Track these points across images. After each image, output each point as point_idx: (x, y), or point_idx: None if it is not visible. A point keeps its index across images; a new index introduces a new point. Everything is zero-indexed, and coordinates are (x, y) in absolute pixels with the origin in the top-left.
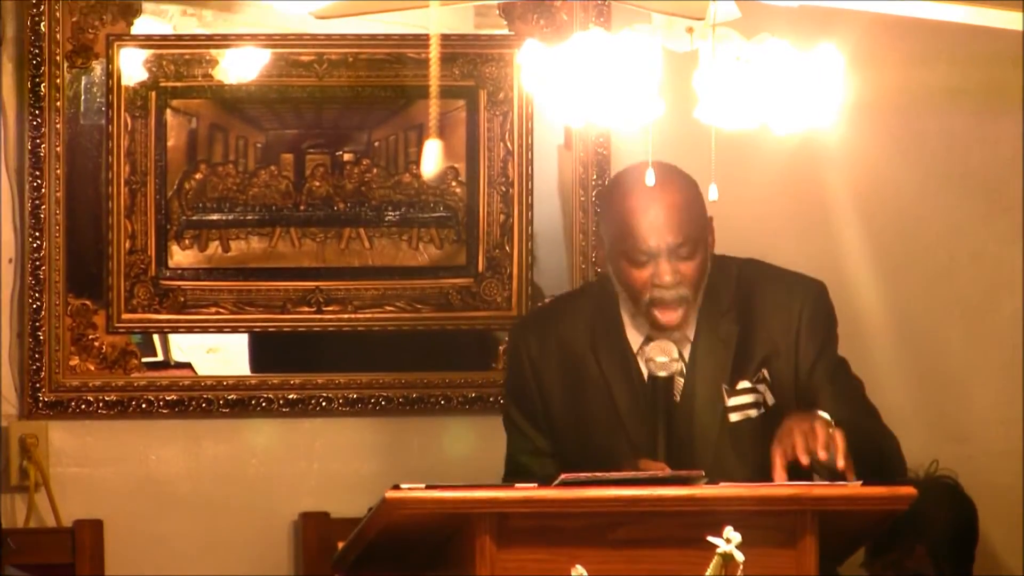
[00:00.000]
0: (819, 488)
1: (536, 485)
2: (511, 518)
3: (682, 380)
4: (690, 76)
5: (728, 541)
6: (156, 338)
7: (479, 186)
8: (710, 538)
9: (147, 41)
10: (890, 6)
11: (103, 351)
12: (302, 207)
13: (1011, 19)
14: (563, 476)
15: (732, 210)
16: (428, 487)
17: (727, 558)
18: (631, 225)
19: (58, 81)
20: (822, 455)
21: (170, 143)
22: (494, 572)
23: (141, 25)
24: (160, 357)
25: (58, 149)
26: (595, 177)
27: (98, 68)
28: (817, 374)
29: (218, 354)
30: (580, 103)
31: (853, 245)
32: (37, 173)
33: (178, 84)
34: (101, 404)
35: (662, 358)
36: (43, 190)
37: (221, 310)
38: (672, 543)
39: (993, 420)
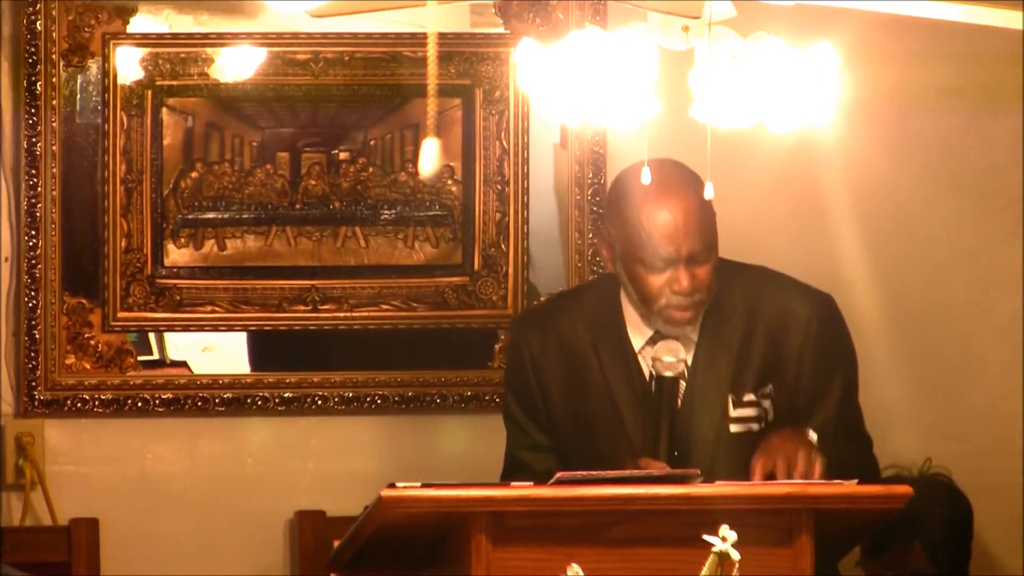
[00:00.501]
0: (815, 487)
1: (532, 484)
2: (507, 517)
3: (683, 383)
4: (686, 75)
5: (724, 540)
6: (152, 337)
7: (475, 185)
8: (706, 537)
9: (143, 40)
10: (888, 5)
11: (99, 349)
12: (298, 206)
13: (1010, 18)
14: (559, 475)
15: (728, 209)
16: (424, 485)
17: (723, 557)
18: (649, 232)
19: (54, 80)
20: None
21: (166, 142)
22: (490, 571)
23: (137, 24)
24: (156, 356)
25: (54, 148)
26: (591, 176)
27: (94, 67)
28: (821, 399)
29: (214, 353)
30: (576, 102)
31: (849, 244)
32: (33, 172)
33: (174, 83)
34: (97, 403)
35: (669, 358)
36: (39, 188)
37: (217, 309)
38: (668, 542)
39: (990, 418)
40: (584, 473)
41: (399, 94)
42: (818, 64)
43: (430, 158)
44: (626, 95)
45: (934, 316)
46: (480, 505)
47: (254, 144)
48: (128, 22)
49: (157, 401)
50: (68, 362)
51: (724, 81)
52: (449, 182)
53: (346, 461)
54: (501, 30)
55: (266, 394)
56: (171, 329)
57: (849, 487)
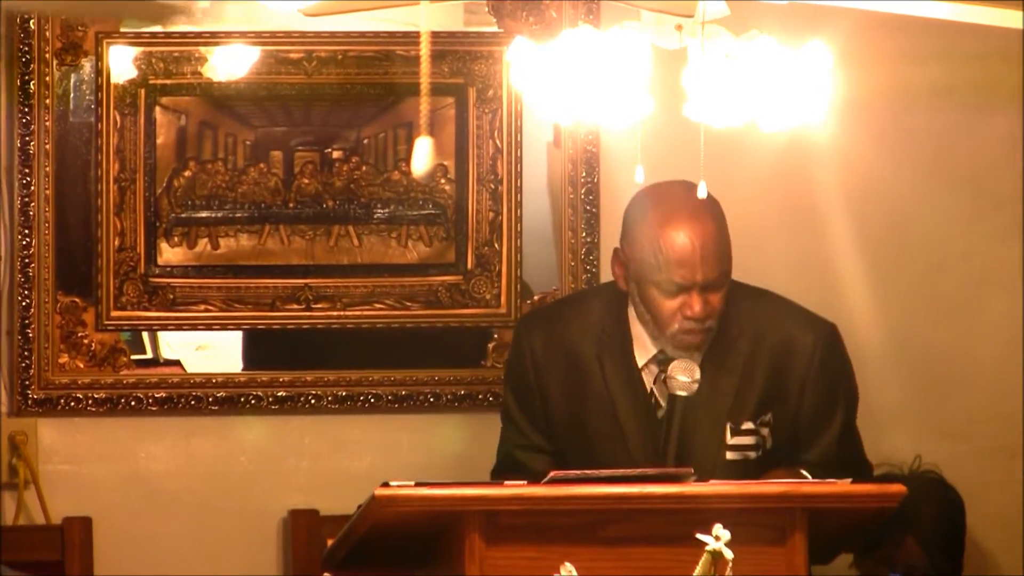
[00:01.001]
0: (809, 486)
1: (525, 483)
2: (500, 516)
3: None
4: (679, 73)
5: (718, 539)
6: (145, 335)
7: (468, 183)
8: (699, 536)
9: (136, 39)
10: (883, 4)
11: (92, 348)
12: (291, 204)
13: (1008, 17)
14: (552, 473)
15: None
16: (417, 484)
17: (716, 555)
18: (667, 257)
19: (47, 79)
20: None
21: (159, 140)
22: (483, 570)
23: (130, 23)
24: (149, 354)
25: (47, 147)
26: (584, 175)
27: (87, 66)
28: (821, 430)
29: (207, 351)
30: (569, 100)
31: (842, 243)
32: (26, 171)
33: (167, 81)
34: (90, 401)
35: (684, 378)
36: (32, 188)
37: (210, 307)
38: (662, 541)
39: (984, 417)
40: (578, 472)
41: (392, 93)
42: (811, 63)
43: (423, 157)
44: (619, 94)
45: (929, 315)
46: (473, 504)
47: (247, 143)
48: (121, 21)
49: (151, 400)
50: (62, 361)
51: (717, 80)
52: (442, 181)
53: (340, 460)
54: (494, 29)
55: (259, 393)
56: (164, 328)
57: (842, 486)
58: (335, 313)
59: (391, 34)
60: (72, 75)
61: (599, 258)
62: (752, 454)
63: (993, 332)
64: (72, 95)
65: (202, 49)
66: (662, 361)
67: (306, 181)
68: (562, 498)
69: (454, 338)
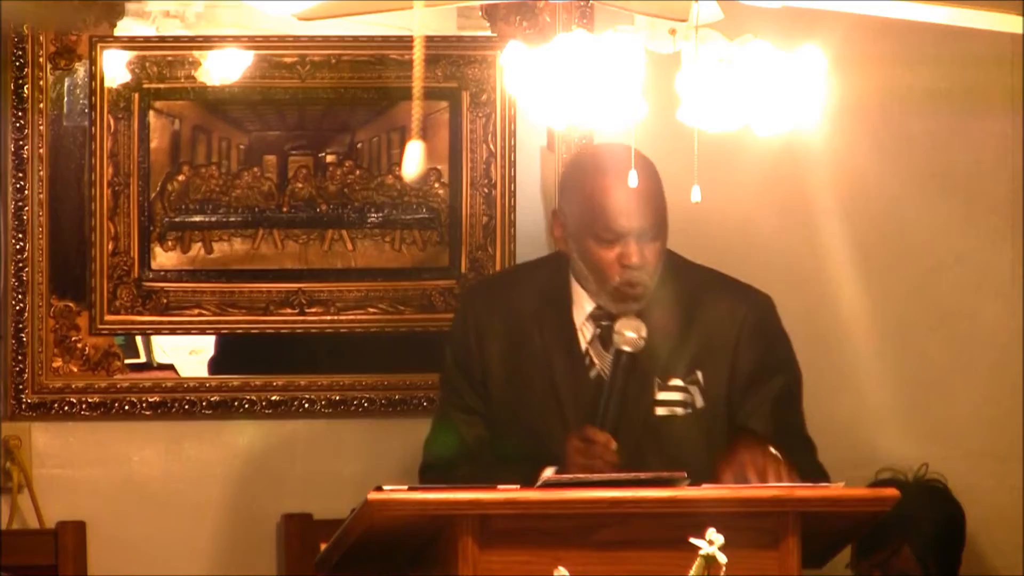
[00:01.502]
0: (802, 490)
1: (519, 487)
2: (493, 519)
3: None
4: (673, 78)
5: (711, 543)
6: (139, 340)
7: (462, 188)
8: (693, 540)
9: (130, 43)
10: (878, 8)
11: (86, 353)
12: (285, 209)
13: (1007, 22)
14: (545, 478)
15: (715, 212)
16: (410, 488)
17: (710, 560)
18: (602, 206)
19: (41, 83)
20: None
21: (153, 145)
22: (476, 573)
23: (124, 27)
24: (143, 359)
25: (41, 151)
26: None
27: (81, 70)
28: (759, 396)
29: (201, 356)
30: (563, 105)
31: (837, 247)
32: (20, 175)
33: (161, 86)
34: (84, 406)
35: (631, 333)
36: (26, 192)
37: (204, 312)
38: (655, 544)
39: (977, 422)
40: (570, 476)
41: (386, 97)
42: (805, 67)
43: (414, 160)
44: (613, 98)
45: (923, 319)
46: (466, 508)
47: (241, 147)
48: (115, 25)
49: (144, 404)
50: (55, 365)
51: (711, 84)
52: (436, 185)
53: (333, 464)
54: (488, 33)
55: (253, 397)
56: (158, 332)
57: (836, 490)
58: (329, 317)
59: (385, 38)
60: (66, 79)
61: None
62: (680, 410)
63: (987, 335)
64: (66, 99)
65: (196, 53)
66: (598, 318)
67: (300, 185)
68: (555, 502)
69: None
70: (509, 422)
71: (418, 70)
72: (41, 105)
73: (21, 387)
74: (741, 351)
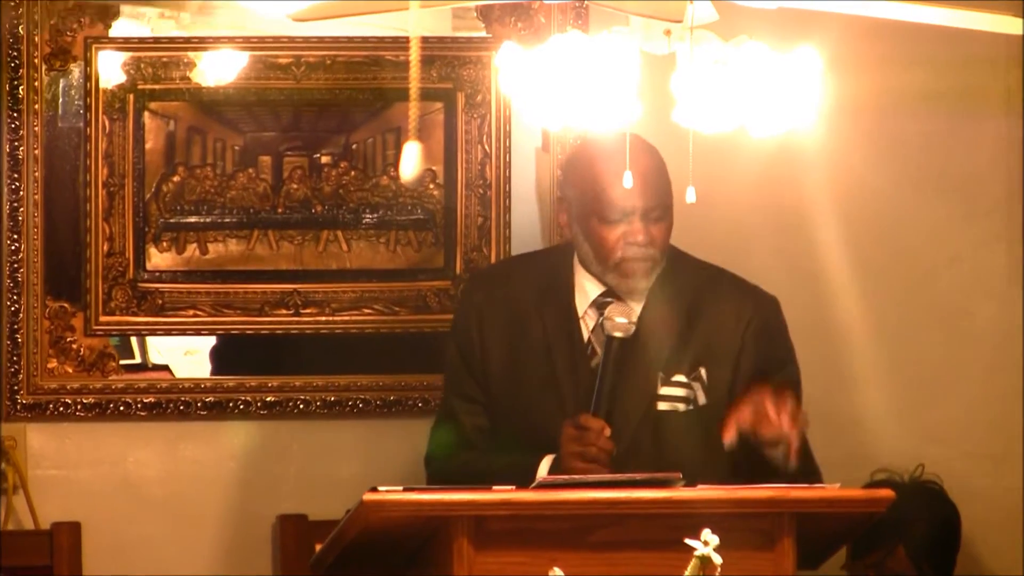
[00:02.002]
0: (797, 490)
1: (514, 488)
2: (489, 520)
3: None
4: (668, 79)
5: (706, 543)
6: (134, 341)
7: (457, 189)
8: (688, 540)
9: (125, 44)
10: (873, 8)
11: (81, 354)
12: (280, 210)
13: (1007, 23)
14: (540, 478)
15: (710, 213)
16: (406, 489)
17: (705, 560)
18: (605, 185)
19: (36, 84)
20: (786, 424)
21: (148, 146)
22: (472, 574)
23: (119, 28)
24: (138, 360)
25: (36, 152)
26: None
27: (76, 71)
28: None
29: (196, 356)
30: (558, 106)
31: (832, 248)
32: (15, 176)
33: (156, 87)
34: (79, 406)
35: (621, 319)
36: (21, 192)
37: (199, 313)
38: (650, 545)
39: (973, 423)
40: (566, 477)
41: (381, 98)
42: (800, 68)
43: (411, 162)
44: (608, 99)
45: (918, 320)
46: (462, 509)
47: (236, 148)
48: (110, 26)
49: (139, 405)
50: (50, 366)
51: (706, 85)
52: (431, 186)
53: (328, 465)
54: (483, 34)
55: (248, 398)
56: (153, 333)
57: (831, 491)
58: (324, 318)
59: (380, 39)
60: (61, 80)
61: None
62: (681, 406)
63: (983, 336)
64: (61, 100)
65: (191, 54)
66: (601, 306)
67: (295, 186)
68: (550, 503)
69: (443, 343)
70: (509, 411)
71: (414, 71)
72: (36, 106)
73: (16, 388)
74: (745, 353)
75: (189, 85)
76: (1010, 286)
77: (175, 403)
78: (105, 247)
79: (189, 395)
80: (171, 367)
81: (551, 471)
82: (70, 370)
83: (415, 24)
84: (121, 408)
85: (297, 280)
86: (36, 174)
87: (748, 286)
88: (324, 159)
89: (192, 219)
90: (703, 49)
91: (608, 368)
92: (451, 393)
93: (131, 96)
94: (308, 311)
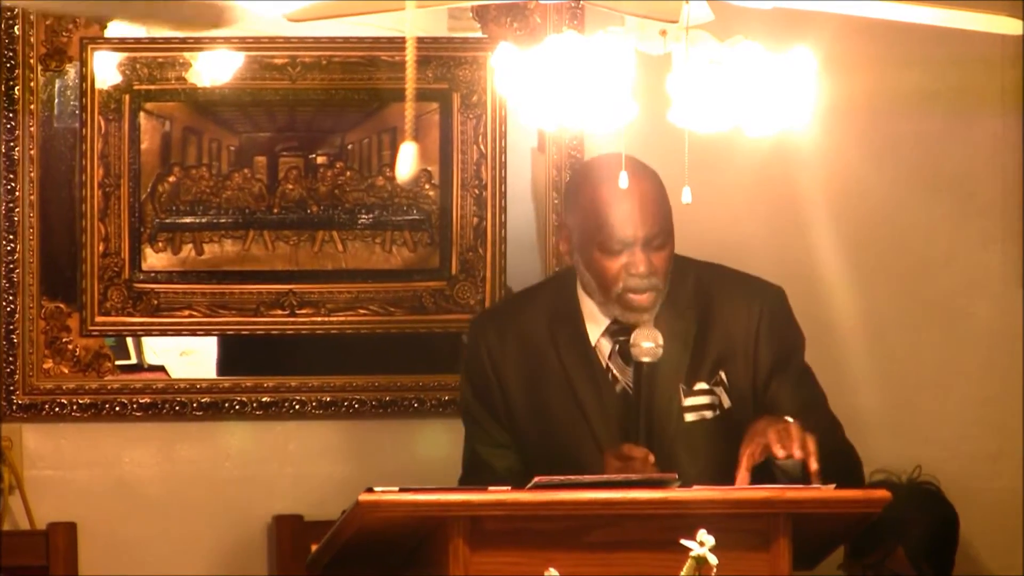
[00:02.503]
0: (793, 491)
1: (510, 488)
2: (485, 521)
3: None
4: (663, 79)
5: (702, 544)
6: (130, 341)
7: (452, 189)
8: (684, 541)
9: (121, 44)
10: (869, 8)
11: (77, 354)
12: (275, 210)
13: (1004, 24)
14: (536, 479)
15: (705, 213)
16: (401, 490)
17: (701, 561)
18: (606, 215)
19: (32, 84)
20: (797, 454)
21: (144, 146)
22: (467, 574)
23: (115, 28)
24: (134, 360)
25: (32, 152)
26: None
27: (72, 71)
28: (779, 381)
29: (191, 357)
30: (553, 106)
31: (827, 248)
32: (11, 176)
33: (151, 87)
34: (75, 407)
35: (648, 344)
36: (17, 193)
37: (195, 313)
38: (646, 546)
39: (968, 423)
40: (562, 477)
41: (377, 98)
42: (795, 68)
43: (407, 162)
44: (603, 99)
45: (913, 320)
46: (458, 509)
47: (232, 148)
48: (105, 27)
49: (135, 405)
50: (46, 366)
51: (702, 85)
52: (427, 186)
53: (324, 465)
54: (479, 34)
55: (244, 398)
56: (149, 333)
57: (827, 491)
58: (319, 319)
59: (376, 39)
60: (56, 80)
61: None
62: (708, 414)
63: (978, 336)
64: (56, 100)
65: (186, 55)
66: (615, 333)
67: (290, 187)
68: (546, 503)
69: (438, 344)
70: (539, 447)
71: (410, 71)
72: (32, 107)
73: (12, 388)
74: (761, 347)
75: (185, 85)
76: (1006, 285)
77: (171, 403)
78: (101, 247)
79: (185, 395)
80: (167, 367)
81: None
82: (66, 370)
83: (411, 24)
84: (117, 408)
85: (293, 280)
86: (32, 174)
87: (752, 280)
88: (320, 159)
89: (188, 219)
90: (698, 49)
91: (642, 393)
92: (475, 441)
93: (127, 96)
94: (304, 311)
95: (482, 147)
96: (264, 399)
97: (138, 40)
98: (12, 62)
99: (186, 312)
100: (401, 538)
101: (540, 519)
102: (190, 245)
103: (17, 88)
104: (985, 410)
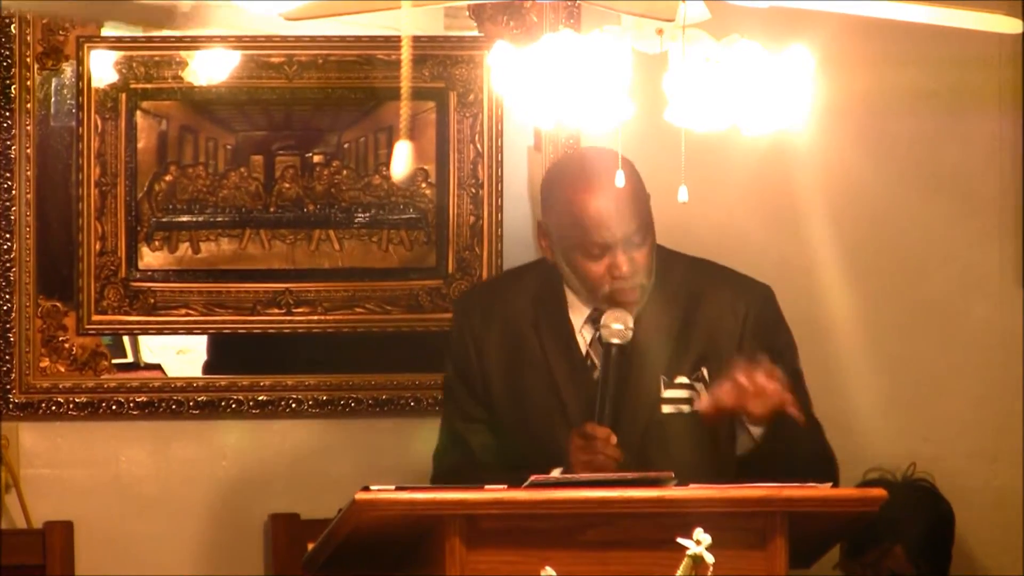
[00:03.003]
0: (789, 490)
1: (506, 487)
2: (481, 519)
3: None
4: (660, 77)
5: (698, 543)
6: (126, 340)
7: (449, 188)
8: (680, 540)
9: (117, 43)
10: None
11: (73, 353)
12: (272, 209)
13: (1004, 23)
14: (533, 477)
15: (702, 212)
16: (398, 488)
17: (697, 560)
18: (582, 218)
19: (28, 83)
20: (761, 382)
21: (140, 145)
22: (464, 573)
23: (111, 27)
24: (130, 359)
25: (28, 151)
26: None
27: (68, 70)
28: None
29: (188, 356)
30: (550, 104)
31: (824, 247)
32: (7, 175)
33: (148, 86)
34: (71, 405)
35: (618, 325)
36: (13, 192)
37: (191, 312)
38: (642, 545)
39: (965, 422)
40: (558, 476)
41: (373, 97)
42: (793, 67)
43: (402, 160)
44: (600, 98)
45: (910, 319)
46: (454, 508)
47: (228, 147)
48: (102, 25)
49: (131, 404)
50: (43, 365)
51: (698, 84)
52: (423, 185)
53: (320, 464)
54: (475, 33)
55: (240, 397)
56: (145, 332)
57: (823, 490)
58: (316, 317)
59: (372, 38)
60: (53, 79)
61: None
62: (686, 407)
63: (975, 335)
64: (53, 99)
65: (183, 53)
66: (596, 320)
67: (287, 185)
68: (543, 502)
69: (435, 342)
70: (514, 427)
71: (406, 70)
72: (28, 105)
73: (8, 387)
74: (745, 347)
75: (181, 84)
76: (1003, 284)
77: (167, 402)
78: (97, 246)
79: (181, 394)
80: (163, 366)
81: None
82: (62, 369)
83: (407, 23)
84: (113, 407)
85: (289, 279)
86: (28, 173)
87: (740, 278)
88: (316, 158)
89: (184, 218)
90: (695, 48)
91: (609, 375)
92: (453, 415)
93: (123, 95)
94: (300, 310)
95: (478, 146)
96: (260, 398)
97: (135, 39)
98: (8, 61)
99: (183, 311)
100: (397, 537)
101: (536, 518)
102: (187, 244)
103: (13, 87)
104: (983, 409)
